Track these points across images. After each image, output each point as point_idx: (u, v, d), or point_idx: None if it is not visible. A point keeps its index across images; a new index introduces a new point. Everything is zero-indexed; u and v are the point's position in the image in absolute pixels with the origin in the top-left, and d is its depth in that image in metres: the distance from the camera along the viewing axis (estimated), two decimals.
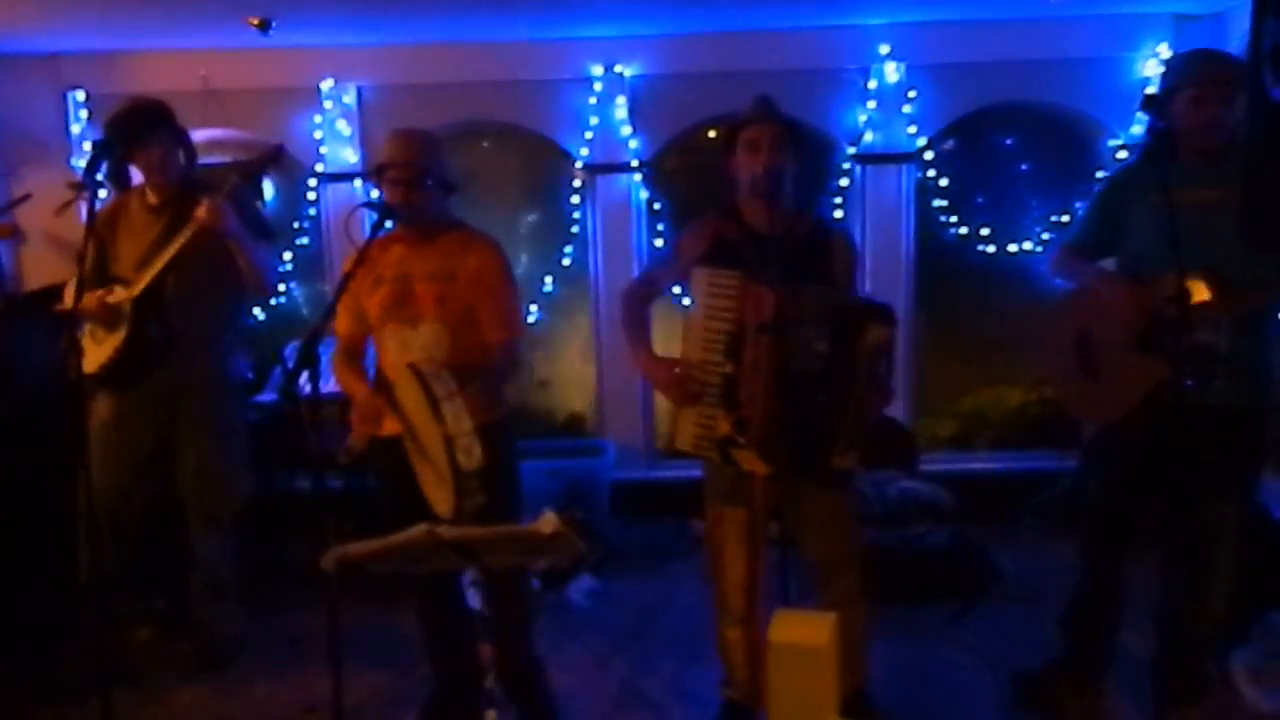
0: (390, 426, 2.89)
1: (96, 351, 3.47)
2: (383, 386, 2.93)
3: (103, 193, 4.46)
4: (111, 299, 3.44)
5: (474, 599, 2.32)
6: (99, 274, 3.54)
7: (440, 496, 2.59)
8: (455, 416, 2.55)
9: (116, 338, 3.44)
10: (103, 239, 3.57)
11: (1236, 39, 4.29)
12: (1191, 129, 2.80)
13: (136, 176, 3.63)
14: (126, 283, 3.46)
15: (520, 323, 3.07)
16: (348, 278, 2.67)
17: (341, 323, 3.01)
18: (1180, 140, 2.83)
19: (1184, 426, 2.69)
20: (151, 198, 3.53)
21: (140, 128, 3.41)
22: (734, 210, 2.90)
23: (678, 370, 2.81)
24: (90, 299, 3.42)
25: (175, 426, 3.59)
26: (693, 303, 2.77)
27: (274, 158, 3.53)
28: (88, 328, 3.51)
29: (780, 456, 2.64)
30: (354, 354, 3.08)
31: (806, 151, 2.93)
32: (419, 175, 2.84)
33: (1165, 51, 4.60)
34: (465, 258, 2.93)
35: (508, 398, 3.09)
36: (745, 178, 2.83)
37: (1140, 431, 2.90)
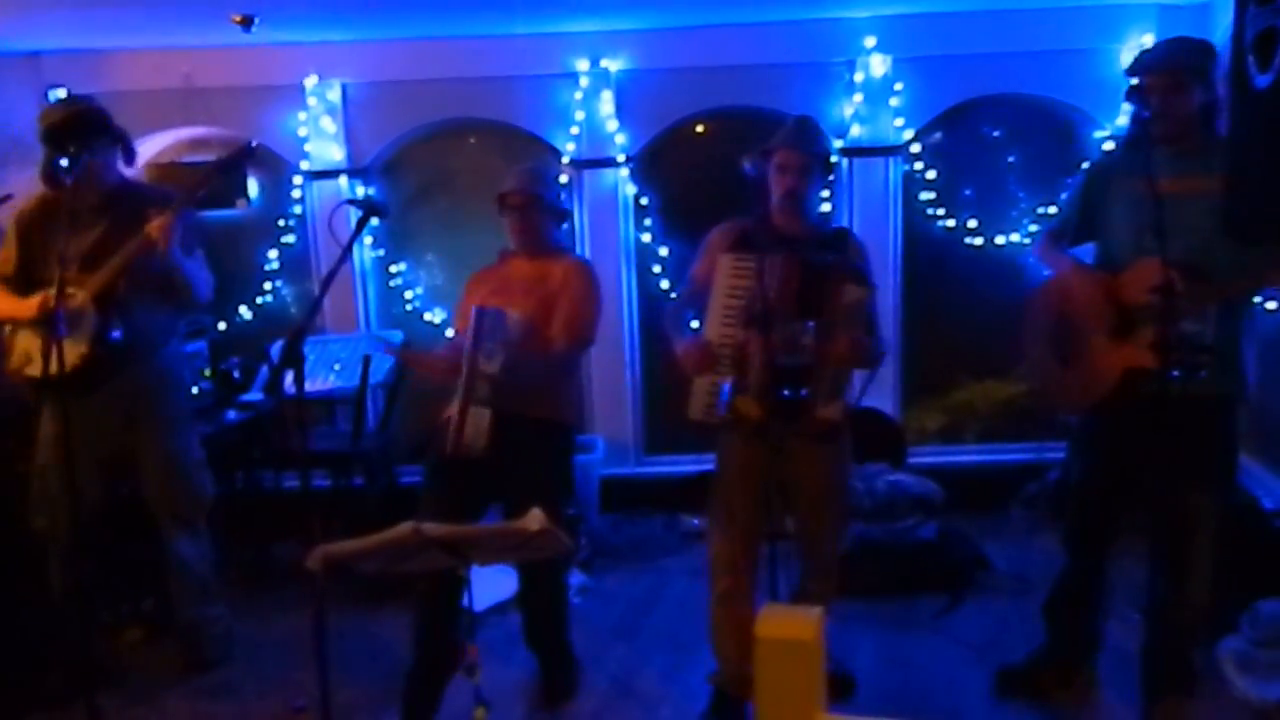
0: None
1: (39, 356, 3.17)
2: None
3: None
4: (72, 302, 3.25)
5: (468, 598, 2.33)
6: (23, 277, 3.40)
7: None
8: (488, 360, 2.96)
9: (81, 342, 3.28)
10: (29, 241, 3.43)
11: (1221, 28, 4.30)
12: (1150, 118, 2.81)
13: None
14: (65, 283, 3.10)
15: (584, 335, 3.31)
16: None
17: (459, 322, 3.42)
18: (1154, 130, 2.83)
19: (1160, 415, 2.70)
20: (91, 197, 3.36)
21: (85, 135, 3.29)
22: (764, 215, 3.07)
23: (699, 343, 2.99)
24: (49, 300, 3.12)
25: (134, 429, 3.50)
26: (715, 288, 2.96)
27: (244, 156, 3.49)
28: (25, 332, 3.37)
29: (772, 401, 2.83)
30: None
31: (833, 173, 3.20)
32: (533, 202, 3.30)
33: (1150, 42, 4.60)
34: (555, 267, 3.34)
35: (575, 408, 3.49)
36: (776, 192, 3.03)
37: (1115, 419, 2.95)
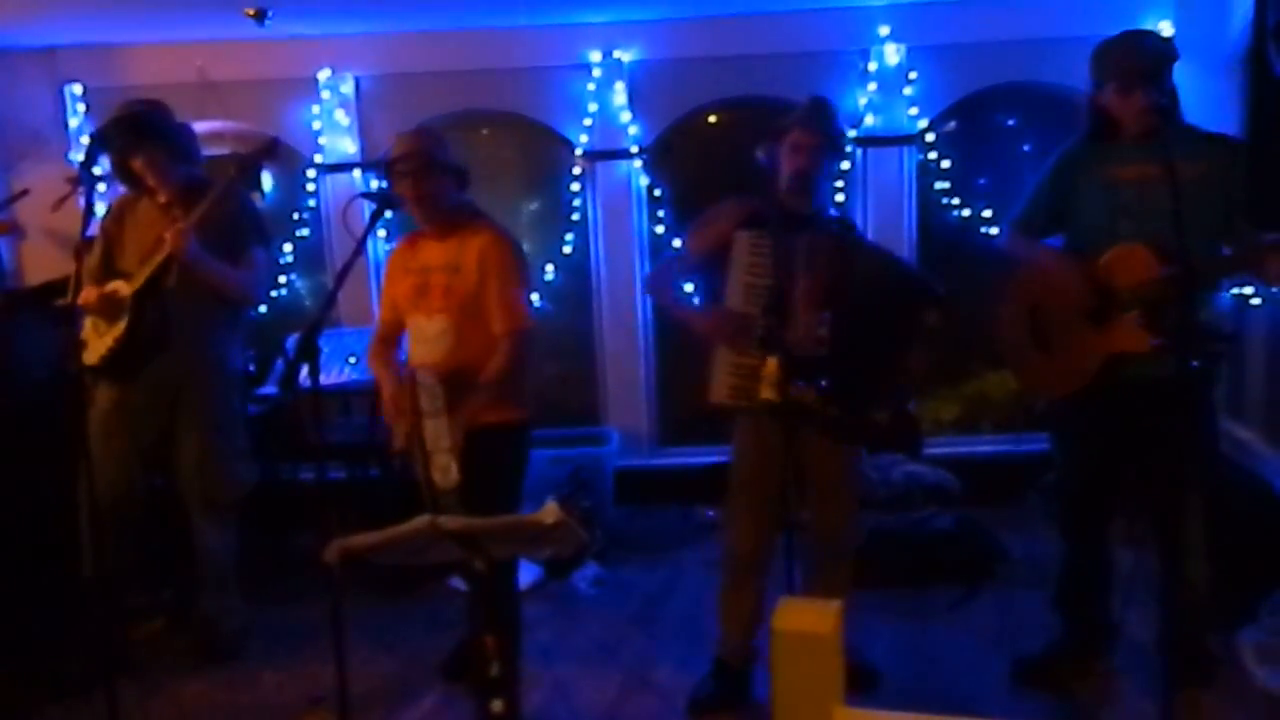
0: None
1: (98, 343, 3.51)
2: (409, 378, 3.02)
3: (102, 187, 4.48)
4: (113, 292, 3.48)
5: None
6: (106, 270, 3.59)
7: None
8: (435, 435, 2.70)
9: (117, 329, 3.48)
10: (110, 236, 3.63)
11: (1238, 14, 4.25)
12: (1123, 116, 2.87)
13: None
14: (130, 277, 3.49)
15: (525, 314, 3.08)
16: (344, 272, 2.71)
17: (382, 310, 3.26)
18: (1118, 122, 2.90)
19: (1139, 398, 2.80)
20: (160, 196, 3.57)
21: (126, 140, 3.46)
22: (773, 194, 3.07)
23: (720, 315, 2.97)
24: (92, 292, 3.47)
25: (175, 416, 3.61)
26: (733, 264, 2.94)
27: (269, 152, 3.58)
28: (90, 321, 3.55)
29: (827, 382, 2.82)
30: (389, 340, 3.25)
31: (844, 157, 3.18)
32: (426, 164, 2.98)
33: (1167, 28, 4.57)
34: (469, 248, 3.03)
35: (525, 397, 3.15)
36: (785, 171, 3.02)
37: (1098, 404, 2.96)
